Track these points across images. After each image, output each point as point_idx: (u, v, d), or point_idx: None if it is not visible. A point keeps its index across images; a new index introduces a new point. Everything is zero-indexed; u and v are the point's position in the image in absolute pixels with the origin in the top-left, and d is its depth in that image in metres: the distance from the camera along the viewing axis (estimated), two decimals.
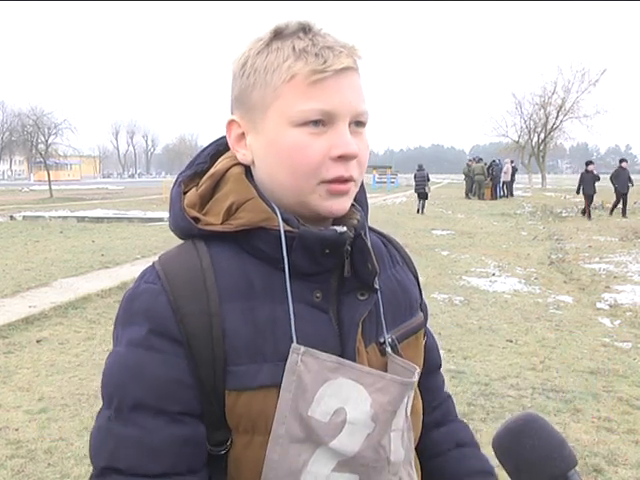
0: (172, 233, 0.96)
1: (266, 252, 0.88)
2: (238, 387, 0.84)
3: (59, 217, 18.87)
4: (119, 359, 0.86)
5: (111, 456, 0.83)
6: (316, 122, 0.85)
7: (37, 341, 5.83)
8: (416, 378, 0.94)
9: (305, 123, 0.85)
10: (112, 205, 25.05)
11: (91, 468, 0.89)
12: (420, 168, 22.02)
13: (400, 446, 0.92)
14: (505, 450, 0.84)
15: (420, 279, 1.11)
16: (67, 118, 38.90)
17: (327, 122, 0.86)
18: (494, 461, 0.90)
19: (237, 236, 0.88)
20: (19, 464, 3.51)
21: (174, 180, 0.97)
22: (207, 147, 0.99)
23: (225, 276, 0.87)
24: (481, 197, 28.92)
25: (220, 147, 0.99)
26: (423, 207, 21.40)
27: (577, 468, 0.82)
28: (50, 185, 33.69)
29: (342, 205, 0.89)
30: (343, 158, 0.86)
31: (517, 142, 47.10)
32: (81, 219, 18.35)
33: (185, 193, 0.94)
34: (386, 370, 0.93)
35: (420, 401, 1.04)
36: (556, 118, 45.79)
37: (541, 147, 46.60)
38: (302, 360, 0.84)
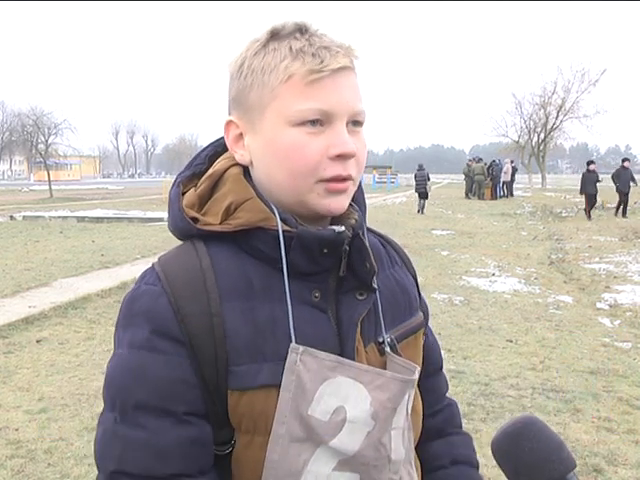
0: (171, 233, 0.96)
1: (265, 252, 0.88)
2: (240, 387, 0.84)
3: (59, 217, 18.86)
4: (122, 361, 0.86)
5: (119, 460, 0.83)
6: (314, 122, 0.85)
7: (37, 341, 5.83)
8: (416, 376, 0.94)
9: (303, 123, 0.85)
10: (112, 205, 25.05)
11: (92, 468, 0.89)
12: (420, 168, 22.03)
13: (401, 445, 0.92)
14: (504, 453, 0.84)
15: (420, 279, 1.11)
16: (67, 118, 38.88)
17: (325, 122, 0.86)
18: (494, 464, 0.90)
19: (236, 236, 0.89)
20: (19, 464, 3.51)
21: (173, 181, 0.98)
22: (205, 148, 1.00)
23: (225, 276, 0.87)
24: (481, 197, 28.92)
25: (218, 148, 0.99)
26: (423, 207, 21.41)
27: (576, 470, 0.82)
28: (50, 185, 33.68)
29: (340, 203, 0.89)
30: (341, 157, 0.86)
31: (517, 142, 47.11)
32: (81, 219, 18.35)
33: (184, 194, 0.95)
34: (385, 370, 0.93)
35: (420, 401, 1.04)
36: (556, 118, 45.82)
37: (541, 147, 46.61)
38: (301, 359, 0.84)
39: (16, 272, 9.18)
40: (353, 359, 0.89)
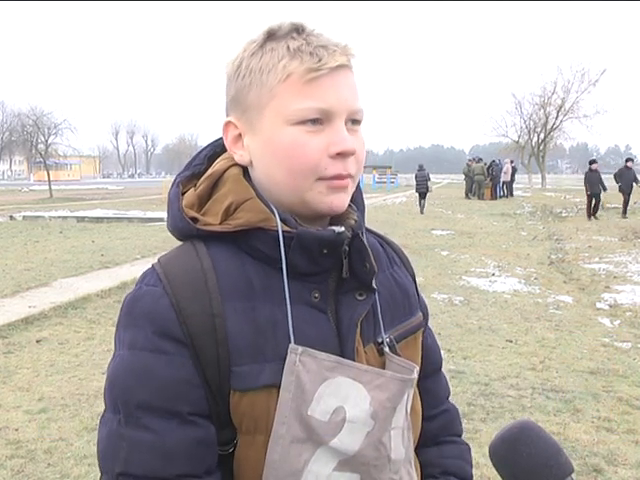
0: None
1: (264, 252, 0.88)
2: (242, 387, 0.84)
3: (59, 217, 18.87)
4: (124, 363, 0.86)
5: (125, 462, 0.82)
6: (313, 120, 0.86)
7: (37, 341, 5.83)
8: (415, 375, 0.94)
9: (302, 122, 0.85)
10: (112, 205, 25.05)
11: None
12: (421, 168, 22.06)
13: (400, 444, 0.92)
14: (501, 458, 0.84)
15: (420, 279, 1.11)
16: (67, 118, 38.74)
17: (324, 120, 0.86)
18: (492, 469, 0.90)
19: (235, 236, 0.89)
20: (19, 464, 3.51)
21: (172, 181, 0.98)
22: (204, 149, 1.00)
23: (225, 277, 0.87)
24: (481, 197, 28.93)
25: (217, 148, 0.99)
26: (423, 207, 21.43)
27: (574, 475, 0.82)
28: (50, 185, 33.67)
29: (342, 200, 0.89)
30: (341, 155, 0.87)
31: (517, 142, 47.15)
32: (81, 219, 18.35)
33: (183, 194, 0.95)
34: (385, 369, 0.93)
35: (419, 401, 1.04)
36: (556, 118, 45.87)
37: (541, 147, 46.66)
38: (300, 360, 0.84)
39: (16, 272, 9.18)
40: (353, 359, 0.89)
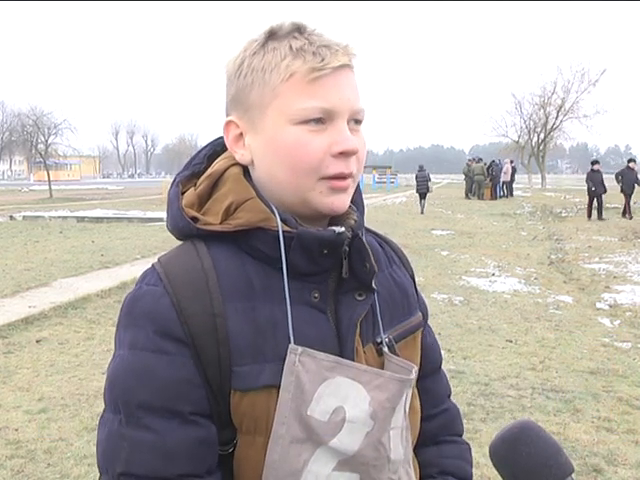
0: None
1: (264, 252, 0.88)
2: (242, 387, 0.84)
3: (59, 217, 18.86)
4: (124, 363, 0.85)
5: (127, 462, 0.82)
6: (316, 120, 0.86)
7: (37, 341, 5.83)
8: (414, 376, 0.94)
9: (305, 121, 0.86)
10: (112, 205, 25.05)
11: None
12: (421, 169, 22.09)
13: (399, 444, 0.92)
14: (502, 458, 0.84)
15: (420, 279, 1.12)
16: (67, 118, 38.63)
17: (326, 120, 0.86)
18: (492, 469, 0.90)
19: (235, 236, 0.89)
20: (19, 464, 3.51)
21: (172, 180, 0.97)
22: (204, 148, 1.00)
23: (226, 277, 0.87)
24: (481, 197, 28.93)
25: (217, 148, 0.99)
26: (423, 207, 21.45)
27: (574, 475, 0.82)
28: (50, 185, 33.66)
29: (343, 201, 0.89)
30: (344, 154, 0.87)
31: (517, 142, 47.16)
32: (81, 219, 18.34)
33: (183, 193, 0.94)
34: (383, 369, 0.93)
35: (418, 401, 1.04)
36: (556, 118, 45.88)
37: (541, 147, 46.66)
38: (300, 360, 0.84)
39: (16, 272, 9.18)
40: (352, 359, 0.89)
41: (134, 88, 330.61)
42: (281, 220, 0.88)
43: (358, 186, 0.97)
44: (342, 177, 0.88)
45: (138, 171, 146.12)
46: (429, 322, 1.13)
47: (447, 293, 8.00)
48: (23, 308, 6.86)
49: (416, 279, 1.12)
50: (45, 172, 37.36)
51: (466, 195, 30.25)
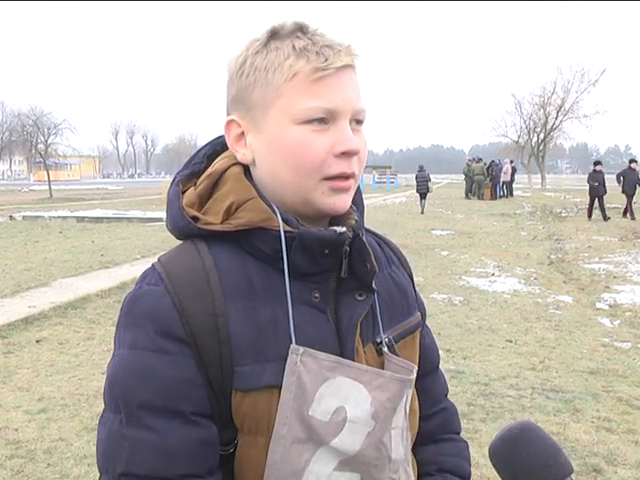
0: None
1: (265, 252, 0.88)
2: (244, 387, 0.84)
3: (59, 217, 18.86)
4: (125, 362, 0.85)
5: (127, 462, 0.82)
6: (319, 120, 0.86)
7: (37, 341, 5.82)
8: (414, 376, 0.94)
9: (308, 121, 0.86)
10: (112, 205, 25.05)
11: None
12: (421, 169, 22.10)
13: (400, 444, 0.93)
14: (501, 459, 0.85)
15: (420, 279, 1.12)
16: (67, 118, 38.85)
17: (329, 120, 0.86)
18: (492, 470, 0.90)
19: (236, 236, 0.88)
20: (19, 464, 3.51)
21: (171, 180, 0.97)
22: (203, 147, 1.00)
23: (227, 276, 0.87)
24: (481, 197, 28.93)
25: (217, 147, 0.99)
26: (423, 207, 21.47)
27: (573, 475, 0.82)
28: (50, 185, 33.65)
29: (344, 201, 0.90)
30: (346, 154, 0.87)
31: (517, 142, 47.17)
32: (81, 219, 18.34)
33: (183, 193, 0.94)
34: (383, 369, 0.93)
35: (417, 400, 1.04)
36: (556, 118, 45.90)
37: (541, 147, 46.68)
38: (301, 360, 0.84)
39: (16, 272, 9.18)
40: (353, 359, 0.89)
41: (134, 88, 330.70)
42: (282, 220, 0.87)
43: (358, 186, 0.97)
44: (344, 177, 0.88)
45: (138, 171, 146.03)
46: (428, 322, 1.13)
47: (447, 293, 8.00)
48: (23, 308, 6.86)
49: (416, 279, 1.12)
50: (45, 172, 37.35)
51: (466, 195, 30.25)
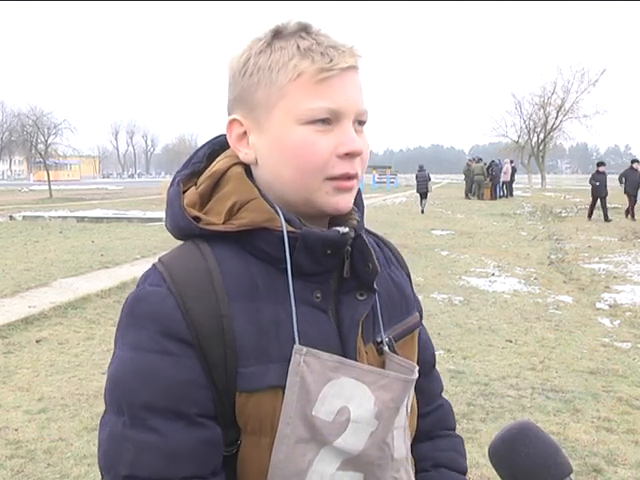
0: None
1: (268, 252, 0.88)
2: (248, 388, 0.84)
3: (59, 217, 18.85)
4: (127, 364, 0.84)
5: (131, 464, 0.81)
6: (323, 120, 0.86)
7: (37, 341, 5.82)
8: (417, 375, 0.95)
9: (312, 121, 0.86)
10: (112, 205, 25.04)
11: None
12: (421, 169, 22.11)
13: (402, 443, 0.93)
14: (501, 459, 0.85)
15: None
16: (67, 118, 38.66)
17: (333, 120, 0.86)
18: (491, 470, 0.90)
19: (238, 236, 0.88)
20: (19, 464, 3.51)
21: (171, 179, 0.97)
22: (202, 147, 0.99)
23: (230, 277, 0.87)
24: (481, 197, 28.94)
25: (215, 146, 0.98)
26: (424, 207, 21.49)
27: (572, 475, 0.82)
28: (50, 185, 33.62)
29: (347, 201, 0.90)
30: (349, 155, 0.87)
31: (517, 142, 47.19)
32: (81, 219, 18.33)
33: (183, 192, 0.94)
34: (384, 369, 0.93)
35: (415, 400, 1.05)
36: (556, 118, 45.91)
37: (541, 147, 46.70)
38: (304, 361, 0.84)
39: (16, 272, 9.17)
40: (355, 359, 0.89)
41: (134, 88, 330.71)
42: (285, 220, 0.87)
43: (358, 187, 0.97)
44: (347, 177, 0.88)
45: (138, 171, 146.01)
46: (428, 322, 1.13)
47: (447, 293, 8.00)
48: (23, 308, 6.86)
49: (416, 279, 1.13)
50: (45, 172, 37.32)
51: (466, 195, 30.25)
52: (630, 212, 18.81)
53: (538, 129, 46.97)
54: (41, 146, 34.90)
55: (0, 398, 4.49)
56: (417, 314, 1.06)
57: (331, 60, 0.85)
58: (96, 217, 18.47)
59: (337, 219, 0.93)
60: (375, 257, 0.94)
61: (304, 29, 0.88)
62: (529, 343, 5.91)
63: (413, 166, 25.36)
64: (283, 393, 0.84)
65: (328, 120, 0.86)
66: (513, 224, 17.76)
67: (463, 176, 32.01)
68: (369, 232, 1.08)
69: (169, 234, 0.95)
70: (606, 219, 18.07)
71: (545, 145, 46.80)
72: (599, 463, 3.53)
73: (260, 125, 0.89)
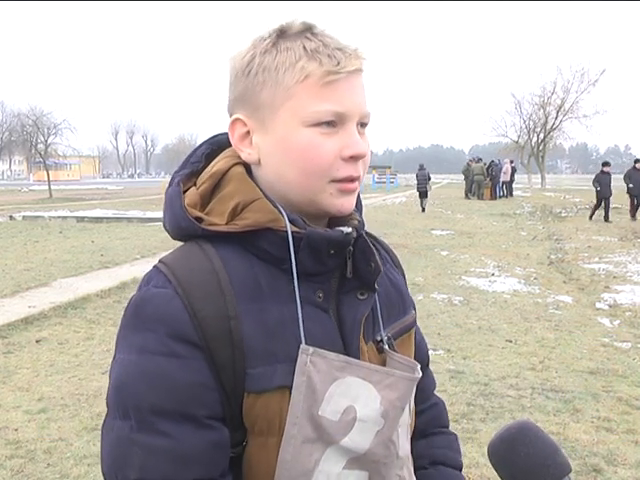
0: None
1: (271, 253, 0.88)
2: (257, 389, 0.84)
3: (58, 217, 18.85)
4: (133, 367, 0.83)
5: (141, 468, 0.80)
6: (328, 123, 0.86)
7: (36, 341, 5.82)
8: (420, 374, 0.95)
9: (318, 123, 0.85)
10: (111, 205, 25.04)
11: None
12: (421, 168, 22.14)
13: (406, 441, 0.94)
14: (500, 458, 0.85)
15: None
16: (66, 118, 38.69)
17: (338, 123, 0.86)
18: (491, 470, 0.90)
19: (241, 237, 0.88)
20: (18, 464, 3.51)
21: (170, 179, 0.96)
22: (200, 146, 0.99)
23: (236, 278, 0.86)
24: (480, 197, 28.94)
25: (213, 146, 0.98)
26: (425, 205, 21.52)
27: (571, 475, 0.82)
28: (49, 185, 33.62)
29: (350, 203, 0.90)
30: (354, 158, 0.87)
31: (516, 142, 47.22)
32: (80, 219, 18.33)
33: (183, 193, 0.93)
34: (385, 367, 0.94)
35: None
36: (555, 118, 45.93)
37: (540, 147, 46.72)
38: (311, 360, 0.84)
39: (16, 272, 9.17)
40: (358, 358, 0.90)
41: (134, 88, 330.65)
42: (289, 220, 0.87)
43: None
44: (351, 180, 0.88)
45: (138, 171, 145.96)
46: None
47: (447, 293, 7.99)
48: (23, 308, 6.86)
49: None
50: (45, 172, 37.31)
51: (466, 195, 30.26)
52: (631, 212, 18.78)
53: (538, 129, 47.00)
54: (41, 146, 34.90)
55: (0, 398, 4.49)
56: (413, 312, 1.07)
57: (338, 63, 0.85)
58: (96, 217, 18.47)
59: (337, 219, 0.93)
60: (377, 257, 0.94)
61: (309, 29, 0.87)
62: (529, 343, 5.91)
63: (413, 166, 25.38)
64: (290, 393, 0.84)
65: (333, 123, 0.86)
66: (513, 224, 17.76)
67: (463, 176, 31.99)
68: (366, 232, 1.08)
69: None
70: (606, 219, 18.06)
71: (545, 145, 46.82)
72: (599, 463, 3.53)
73: (264, 125, 0.88)
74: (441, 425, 1.15)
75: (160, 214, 1.01)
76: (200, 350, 0.82)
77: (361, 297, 0.93)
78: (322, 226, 0.92)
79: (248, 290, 0.86)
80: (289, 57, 0.86)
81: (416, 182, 22.42)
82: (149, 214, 18.69)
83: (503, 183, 31.12)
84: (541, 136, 46.68)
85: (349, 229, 0.90)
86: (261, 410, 0.84)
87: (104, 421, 0.86)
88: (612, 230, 15.67)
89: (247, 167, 0.93)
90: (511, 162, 32.08)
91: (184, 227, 0.90)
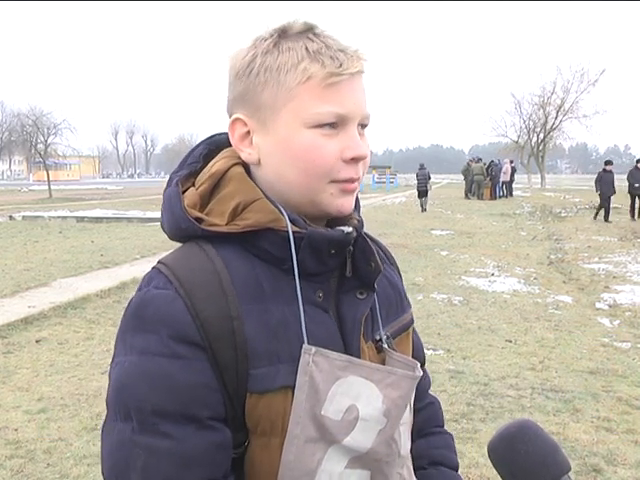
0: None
1: (272, 253, 0.88)
2: (260, 389, 0.83)
3: (58, 217, 18.85)
4: (136, 369, 0.82)
5: (143, 470, 0.80)
6: (329, 124, 0.86)
7: (36, 341, 5.82)
8: (421, 372, 0.95)
9: (319, 125, 0.85)
10: (111, 205, 25.04)
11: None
12: (422, 167, 22.17)
13: (407, 439, 0.95)
14: (499, 457, 0.85)
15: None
16: (66, 118, 38.66)
17: (339, 124, 0.86)
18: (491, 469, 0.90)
19: (241, 237, 0.88)
20: (18, 464, 3.51)
21: (168, 180, 0.96)
22: (197, 146, 0.98)
23: (238, 278, 0.86)
24: (480, 197, 28.94)
25: (211, 146, 0.98)
26: (425, 205, 21.53)
27: (571, 473, 0.82)
28: (49, 185, 33.61)
29: (350, 203, 0.90)
30: (355, 160, 0.87)
31: (516, 142, 47.23)
32: (80, 219, 18.34)
33: (182, 193, 0.93)
34: (384, 365, 0.94)
35: None
36: (555, 118, 45.94)
37: (540, 147, 46.72)
38: (313, 360, 0.84)
39: (15, 272, 9.17)
40: (359, 358, 0.90)
41: (134, 88, 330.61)
42: (289, 220, 0.87)
43: None
44: (351, 181, 0.88)
45: (138, 171, 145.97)
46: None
47: (446, 293, 7.99)
48: (23, 308, 6.86)
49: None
50: (44, 172, 37.30)
51: (465, 195, 30.26)
52: (631, 212, 18.76)
53: (538, 129, 47.01)
54: (41, 146, 34.90)
55: (0, 398, 4.49)
56: (411, 311, 1.08)
57: (341, 65, 0.84)
58: (96, 217, 18.48)
59: (336, 219, 0.93)
60: (377, 256, 0.94)
61: (311, 30, 0.87)
62: (529, 343, 5.92)
63: (413, 166, 25.40)
64: (293, 393, 0.84)
65: (334, 124, 0.86)
66: (513, 224, 17.76)
67: (462, 176, 31.99)
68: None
69: None
70: (606, 219, 18.05)
71: (545, 145, 46.83)
72: (599, 463, 3.53)
73: (266, 126, 0.88)
74: (437, 424, 1.16)
75: (160, 214, 1.01)
76: (203, 351, 0.82)
77: (360, 296, 0.93)
78: (322, 226, 0.92)
79: (250, 290, 0.86)
80: (291, 58, 0.85)
81: (416, 181, 22.42)
82: (149, 214, 18.70)
83: (503, 183, 31.12)
84: (541, 136, 46.70)
85: (349, 229, 0.90)
86: (264, 410, 0.84)
87: (104, 423, 0.86)
88: (612, 230, 15.67)
89: (246, 167, 0.93)
90: (511, 162, 32.08)
91: (184, 228, 0.90)
